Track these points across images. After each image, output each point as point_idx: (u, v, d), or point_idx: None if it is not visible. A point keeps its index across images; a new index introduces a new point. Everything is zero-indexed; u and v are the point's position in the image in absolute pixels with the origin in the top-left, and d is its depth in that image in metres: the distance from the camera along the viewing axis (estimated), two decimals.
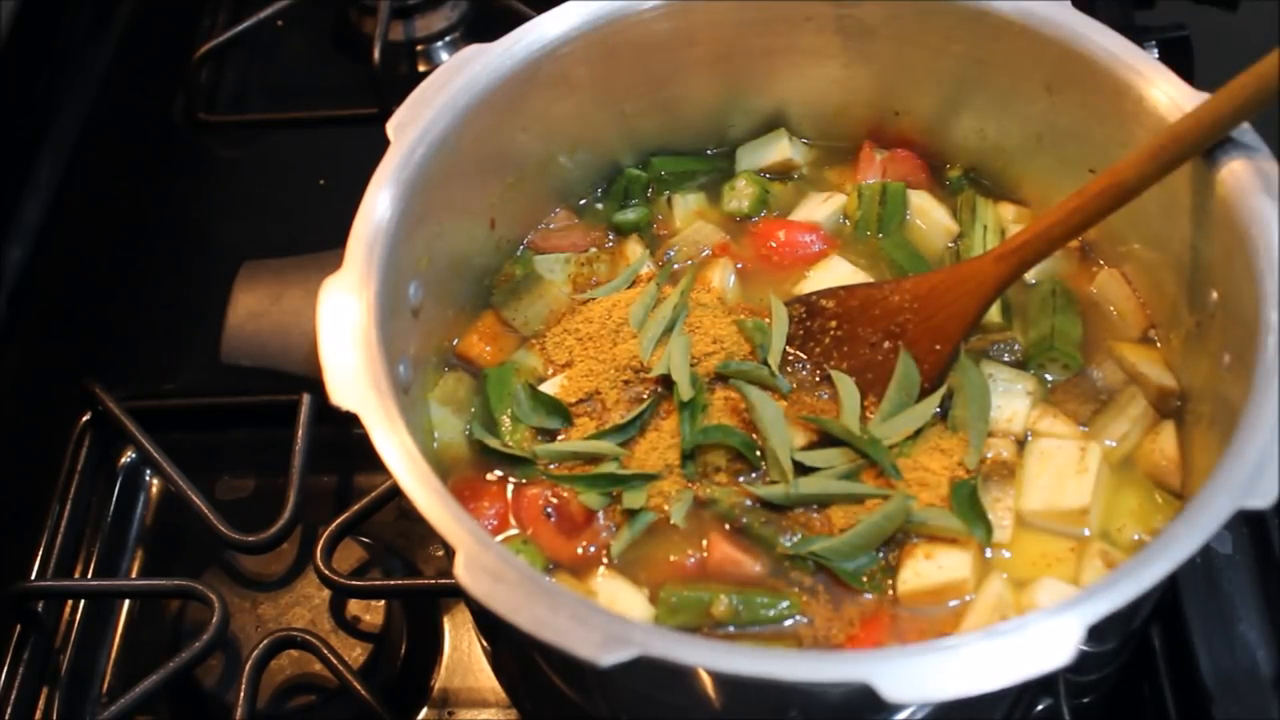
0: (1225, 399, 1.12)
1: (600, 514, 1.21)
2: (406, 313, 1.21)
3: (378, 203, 1.17)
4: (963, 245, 1.38)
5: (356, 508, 1.43)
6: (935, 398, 1.24)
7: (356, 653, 1.41)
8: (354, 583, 1.41)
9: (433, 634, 1.46)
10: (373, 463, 1.03)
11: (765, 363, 1.27)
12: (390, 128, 1.21)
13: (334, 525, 1.41)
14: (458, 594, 1.43)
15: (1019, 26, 1.27)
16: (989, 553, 1.18)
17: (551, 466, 1.24)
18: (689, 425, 1.23)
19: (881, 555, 1.17)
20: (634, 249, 1.39)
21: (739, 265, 1.38)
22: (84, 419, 1.60)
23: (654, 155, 1.46)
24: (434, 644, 1.45)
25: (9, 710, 1.42)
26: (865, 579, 1.16)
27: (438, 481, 1.02)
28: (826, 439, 1.23)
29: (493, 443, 1.25)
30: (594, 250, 1.40)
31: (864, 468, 1.20)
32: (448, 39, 2.05)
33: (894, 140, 1.45)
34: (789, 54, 1.39)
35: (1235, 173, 1.13)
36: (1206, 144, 1.13)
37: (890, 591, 1.15)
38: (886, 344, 1.27)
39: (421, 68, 2.04)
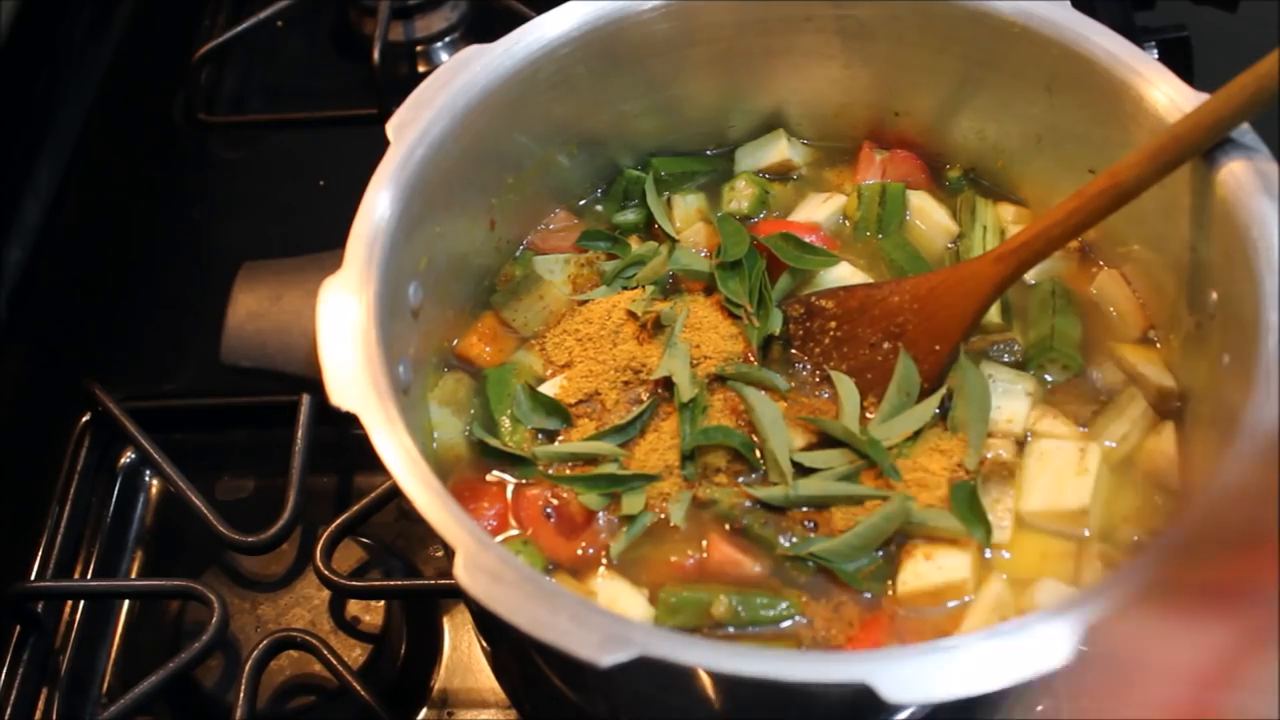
0: (1225, 399, 1.12)
1: (600, 515, 1.21)
2: (406, 313, 1.21)
3: (378, 203, 1.17)
4: (962, 246, 1.39)
5: (356, 508, 1.43)
6: (935, 398, 1.24)
7: (356, 653, 1.41)
8: (354, 583, 1.41)
9: (433, 634, 1.46)
10: (373, 463, 1.03)
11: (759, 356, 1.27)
12: (390, 128, 1.21)
13: (334, 526, 1.41)
14: (458, 594, 1.43)
15: (1019, 27, 1.27)
16: (989, 553, 1.18)
17: (551, 467, 1.24)
18: (689, 426, 1.23)
19: (881, 556, 1.17)
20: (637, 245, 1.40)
21: None
22: (84, 419, 1.60)
23: (654, 155, 1.46)
24: (434, 644, 1.45)
25: (9, 710, 1.42)
26: (865, 580, 1.16)
27: (437, 482, 1.02)
28: (826, 440, 1.23)
29: (493, 442, 1.25)
30: (593, 251, 1.40)
31: (863, 469, 1.21)
32: (448, 39, 2.05)
33: (894, 141, 1.45)
34: (789, 54, 1.39)
35: (1235, 174, 1.13)
36: (1206, 145, 1.13)
37: (890, 592, 1.15)
38: (886, 344, 1.27)
39: (421, 68, 2.04)
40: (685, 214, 1.43)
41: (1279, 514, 0.75)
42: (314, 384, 1.09)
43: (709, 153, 1.49)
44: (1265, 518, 0.75)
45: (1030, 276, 1.31)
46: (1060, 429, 1.24)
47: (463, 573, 0.97)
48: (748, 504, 1.20)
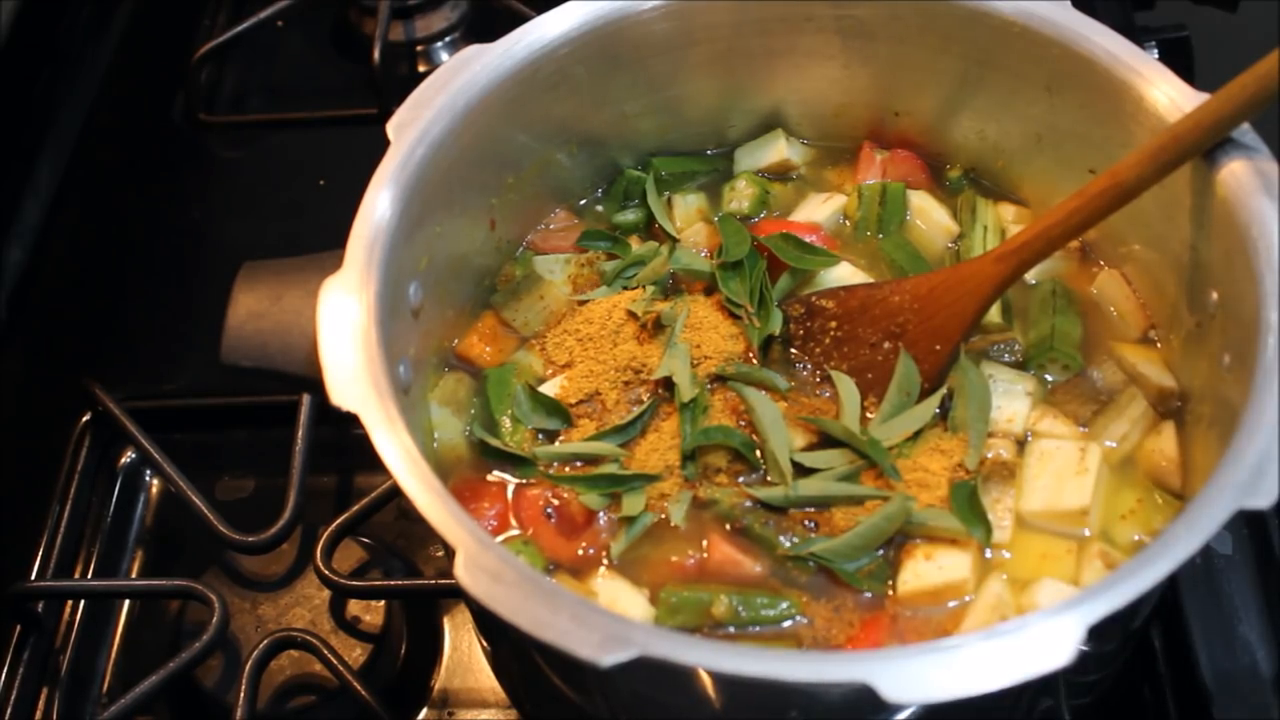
0: (1225, 399, 1.12)
1: (600, 515, 1.21)
2: (406, 313, 1.21)
3: (378, 203, 1.17)
4: (963, 246, 1.38)
5: (356, 508, 1.43)
6: (935, 398, 1.24)
7: (356, 653, 1.41)
8: (354, 583, 1.41)
9: (433, 634, 1.46)
10: (373, 463, 1.03)
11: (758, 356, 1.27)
12: (390, 128, 1.21)
13: (334, 525, 1.41)
14: (458, 594, 1.43)
15: (1019, 27, 1.27)
16: (989, 553, 1.18)
17: (552, 467, 1.24)
18: (689, 426, 1.23)
19: (881, 556, 1.17)
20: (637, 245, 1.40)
21: None
22: (84, 419, 1.60)
23: (654, 155, 1.46)
24: (434, 644, 1.45)
25: (9, 710, 1.42)
26: (865, 579, 1.16)
27: (438, 482, 1.02)
28: (826, 440, 1.23)
29: (494, 442, 1.25)
30: (593, 251, 1.40)
31: (864, 469, 1.21)
32: (448, 39, 2.05)
33: (894, 140, 1.45)
34: (789, 54, 1.39)
35: (1235, 173, 1.13)
36: (1206, 145, 1.13)
37: (890, 592, 1.15)
38: (886, 344, 1.27)
39: (421, 68, 2.04)
40: (686, 214, 1.43)
41: None
42: (314, 384, 1.09)
43: (709, 153, 1.49)
44: None
45: (1030, 276, 1.31)
46: (1060, 429, 1.24)
47: (463, 573, 0.97)
48: (748, 504, 1.20)
